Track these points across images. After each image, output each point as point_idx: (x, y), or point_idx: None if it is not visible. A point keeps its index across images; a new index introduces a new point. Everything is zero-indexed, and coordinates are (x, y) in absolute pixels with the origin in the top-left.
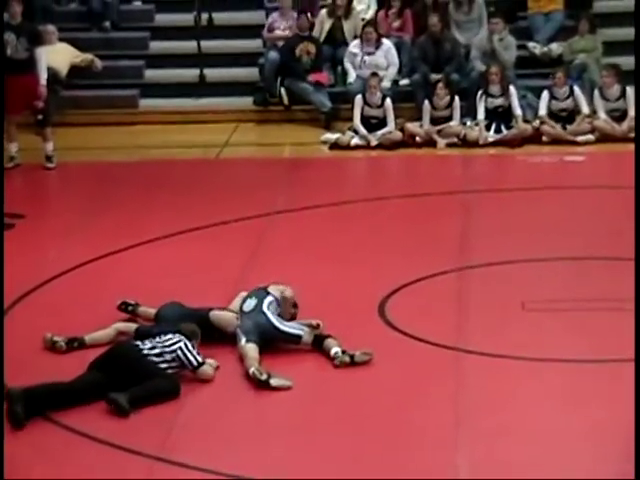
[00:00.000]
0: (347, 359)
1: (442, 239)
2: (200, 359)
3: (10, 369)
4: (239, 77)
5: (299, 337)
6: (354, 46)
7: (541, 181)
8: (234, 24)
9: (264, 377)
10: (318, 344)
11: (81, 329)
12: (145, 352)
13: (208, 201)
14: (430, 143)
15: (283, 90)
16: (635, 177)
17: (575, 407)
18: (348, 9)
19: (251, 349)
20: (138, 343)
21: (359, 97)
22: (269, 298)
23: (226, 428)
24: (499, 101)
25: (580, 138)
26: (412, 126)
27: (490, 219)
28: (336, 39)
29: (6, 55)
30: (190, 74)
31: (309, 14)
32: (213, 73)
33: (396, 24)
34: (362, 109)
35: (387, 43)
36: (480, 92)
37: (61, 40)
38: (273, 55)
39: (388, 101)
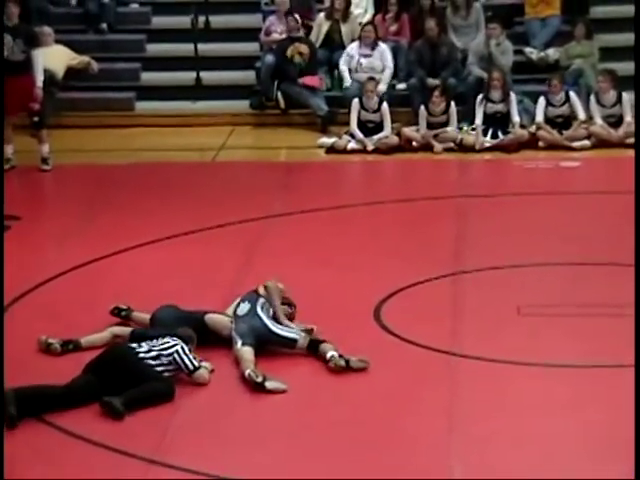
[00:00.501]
0: (343, 363)
1: (438, 243)
2: (196, 363)
3: (6, 370)
4: (236, 80)
5: (294, 341)
6: (351, 48)
7: (537, 186)
8: (231, 27)
9: (260, 379)
10: (313, 349)
11: (77, 331)
12: (141, 355)
13: (204, 204)
14: (427, 148)
15: (279, 94)
16: (635, 183)
17: (570, 412)
18: (346, 13)
19: (247, 352)
20: (134, 346)
21: (356, 101)
22: (260, 300)
23: (221, 431)
24: (499, 107)
25: (576, 144)
26: (409, 131)
27: (486, 224)
28: (334, 42)
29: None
30: (187, 77)
31: (299, 16)
32: (210, 76)
33: (393, 28)
34: (359, 113)
35: (382, 46)
36: (480, 97)
37: (57, 42)
38: (269, 58)
39: (385, 105)
